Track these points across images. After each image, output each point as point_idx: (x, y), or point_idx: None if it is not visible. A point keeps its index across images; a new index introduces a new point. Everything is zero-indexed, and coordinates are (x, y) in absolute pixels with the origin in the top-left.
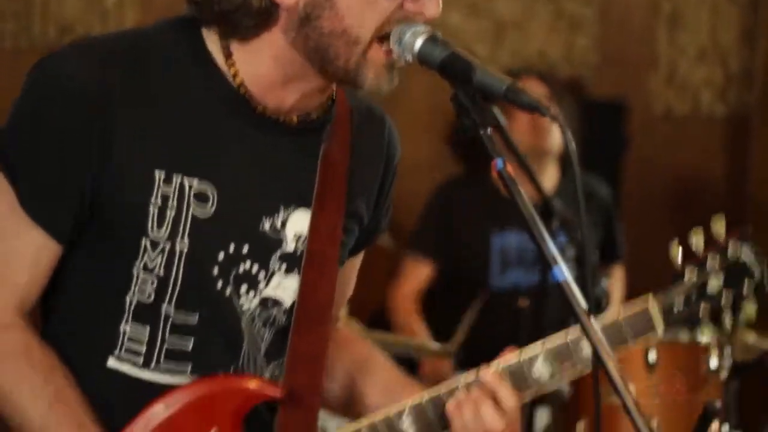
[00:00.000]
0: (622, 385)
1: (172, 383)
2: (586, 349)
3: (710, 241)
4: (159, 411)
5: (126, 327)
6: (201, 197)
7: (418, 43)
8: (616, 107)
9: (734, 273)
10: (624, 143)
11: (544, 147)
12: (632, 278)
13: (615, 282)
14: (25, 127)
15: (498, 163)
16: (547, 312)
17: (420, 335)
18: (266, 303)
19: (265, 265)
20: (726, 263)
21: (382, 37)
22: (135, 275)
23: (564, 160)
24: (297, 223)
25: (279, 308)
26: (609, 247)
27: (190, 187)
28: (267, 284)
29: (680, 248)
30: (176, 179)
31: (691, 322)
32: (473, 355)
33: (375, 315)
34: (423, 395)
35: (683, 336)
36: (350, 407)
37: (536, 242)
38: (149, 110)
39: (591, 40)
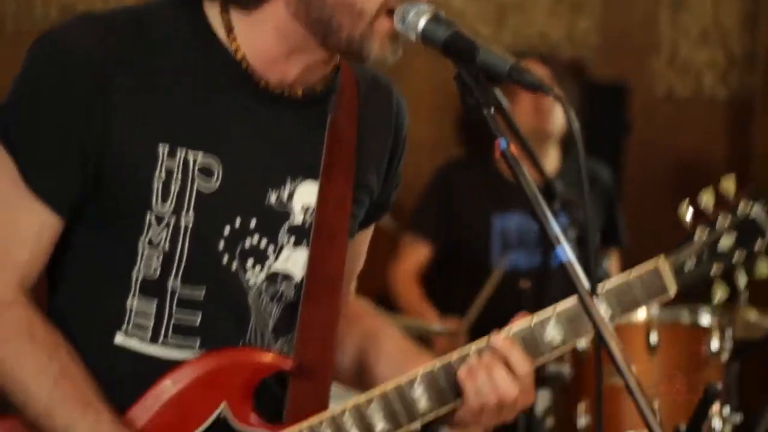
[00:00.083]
0: (625, 366)
1: (181, 358)
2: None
3: (720, 200)
4: (168, 386)
5: (133, 302)
6: (205, 171)
7: (422, 22)
8: (618, 89)
9: (745, 231)
10: (626, 125)
11: (546, 129)
12: (633, 261)
13: (611, 268)
14: (25, 100)
15: (501, 143)
16: (549, 293)
17: (424, 310)
18: (275, 278)
19: (273, 238)
20: (737, 221)
21: (387, 11)
22: (140, 250)
23: (566, 143)
24: (304, 195)
25: (289, 282)
26: (610, 231)
27: (195, 161)
28: (276, 258)
29: (690, 208)
30: (180, 153)
31: (704, 282)
32: (475, 338)
33: (378, 297)
34: (434, 363)
35: (684, 318)
36: (362, 381)
37: (539, 222)
38: (151, 84)
39: (593, 22)
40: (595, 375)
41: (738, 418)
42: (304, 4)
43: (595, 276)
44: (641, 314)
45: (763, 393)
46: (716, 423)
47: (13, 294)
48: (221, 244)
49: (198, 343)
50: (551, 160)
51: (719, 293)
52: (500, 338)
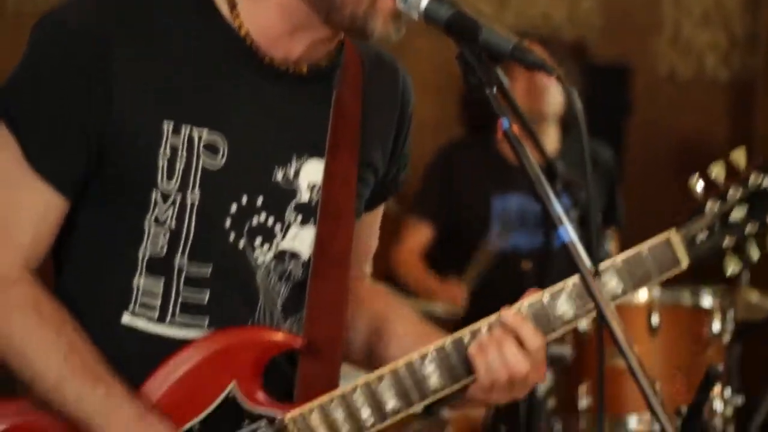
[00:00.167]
0: (627, 347)
1: (189, 338)
2: (611, 284)
3: (731, 172)
4: (177, 365)
5: (139, 281)
6: (211, 148)
7: (424, 1)
8: (620, 70)
9: (757, 203)
10: (627, 106)
11: (541, 110)
12: (635, 241)
13: (612, 244)
14: (27, 80)
15: (503, 122)
16: (551, 274)
17: (428, 282)
18: (282, 256)
19: (280, 216)
20: (748, 193)
21: None
22: (146, 229)
23: (566, 124)
24: (310, 173)
25: (296, 261)
26: (609, 211)
27: (200, 138)
28: (284, 236)
29: (700, 180)
30: (185, 130)
31: (715, 254)
32: (476, 319)
33: (382, 280)
34: (445, 340)
35: (686, 299)
36: (374, 362)
37: (541, 202)
38: (154, 61)
39: (595, 3)
40: (597, 356)
41: (739, 400)
42: None
43: (597, 256)
44: (643, 295)
45: (764, 375)
46: (717, 405)
47: (19, 272)
48: (228, 222)
49: (206, 322)
50: (550, 140)
51: (731, 266)
52: (511, 313)
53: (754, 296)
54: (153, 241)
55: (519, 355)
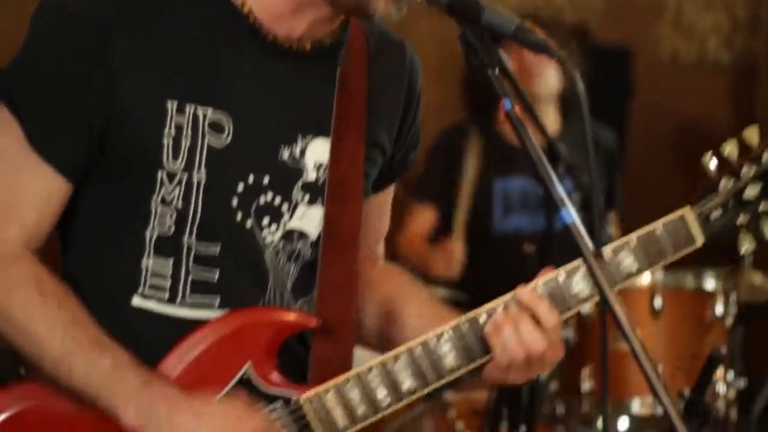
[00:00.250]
0: (630, 330)
1: (201, 318)
2: (626, 262)
3: (744, 150)
4: (192, 346)
5: (148, 262)
6: (216, 127)
7: None
8: (622, 53)
9: None
10: (630, 89)
11: (533, 91)
12: (637, 225)
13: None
14: (29, 63)
15: (506, 103)
16: (553, 258)
17: (431, 253)
18: (291, 236)
19: (287, 196)
20: (762, 171)
21: None
22: (153, 209)
23: (566, 106)
24: (316, 152)
25: (305, 241)
26: (608, 194)
27: (205, 117)
28: (291, 216)
29: (713, 158)
30: (189, 109)
31: (730, 232)
32: (480, 302)
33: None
34: (461, 319)
35: (689, 282)
36: (387, 344)
37: (543, 184)
38: (156, 41)
39: None
40: (601, 339)
41: (742, 382)
42: None
43: (600, 239)
44: (645, 278)
45: (767, 358)
46: (720, 388)
47: (20, 250)
48: (235, 201)
49: (217, 303)
50: (549, 122)
51: (745, 244)
52: (527, 291)
53: (757, 278)
54: (160, 222)
55: (535, 334)
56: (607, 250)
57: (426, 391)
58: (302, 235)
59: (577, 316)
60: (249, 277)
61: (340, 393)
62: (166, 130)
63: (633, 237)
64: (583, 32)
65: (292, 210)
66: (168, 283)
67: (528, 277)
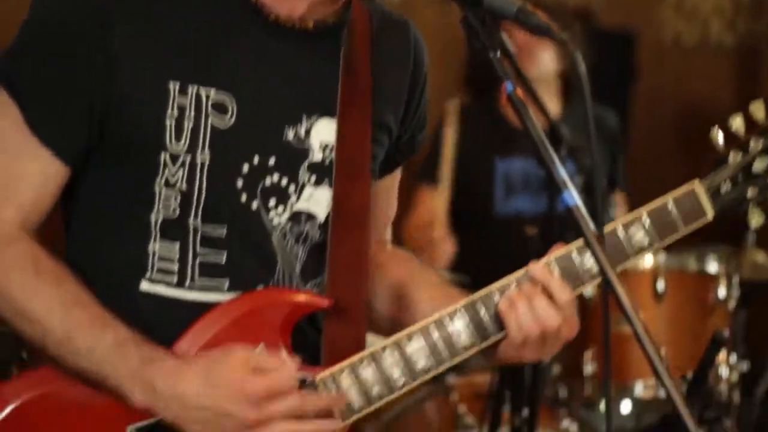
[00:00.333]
0: (633, 312)
1: (210, 300)
2: (637, 237)
3: (751, 124)
4: (204, 329)
5: (155, 246)
6: (219, 108)
7: None
8: (625, 36)
9: None
10: (633, 73)
11: (530, 74)
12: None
13: (618, 209)
14: (28, 47)
15: (507, 85)
16: (555, 240)
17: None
18: (298, 218)
19: (294, 177)
20: None
21: None
22: (157, 192)
23: (568, 89)
24: (321, 132)
25: (313, 223)
26: (611, 177)
27: (207, 97)
28: (298, 197)
29: (720, 132)
30: (192, 89)
31: (740, 205)
32: (481, 286)
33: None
34: (474, 296)
35: (691, 265)
36: (399, 328)
37: (545, 165)
38: (157, 22)
39: None
40: (604, 322)
41: (745, 365)
42: None
43: (602, 221)
44: (648, 261)
45: None
46: (723, 370)
47: (17, 231)
48: (240, 182)
49: (226, 285)
50: (550, 105)
51: (755, 218)
52: (539, 267)
53: (760, 257)
54: (165, 205)
55: (550, 309)
56: (617, 225)
57: (440, 369)
58: (310, 216)
59: (579, 299)
60: (257, 259)
61: (355, 373)
62: (169, 111)
63: (643, 211)
64: (586, 15)
65: (299, 191)
66: (176, 267)
67: (530, 259)
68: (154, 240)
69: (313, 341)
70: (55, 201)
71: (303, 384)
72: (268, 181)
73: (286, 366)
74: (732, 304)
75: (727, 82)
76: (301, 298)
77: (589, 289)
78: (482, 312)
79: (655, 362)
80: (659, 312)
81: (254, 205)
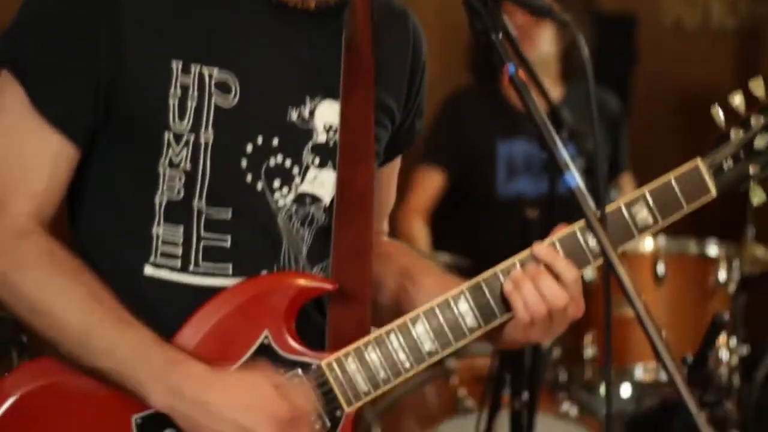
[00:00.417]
0: (635, 295)
1: (215, 285)
2: (641, 215)
3: (751, 101)
4: (209, 314)
5: (158, 230)
6: (222, 87)
7: None
8: (626, 20)
9: None
10: (633, 56)
11: (529, 56)
12: None
13: (626, 189)
14: (31, 26)
15: (509, 68)
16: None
17: (419, 239)
18: (303, 199)
19: (297, 158)
20: None
21: None
22: (161, 173)
23: (568, 72)
24: (325, 114)
25: (318, 205)
26: (615, 160)
27: (210, 77)
28: (303, 179)
29: (720, 110)
30: (195, 69)
31: (742, 182)
32: (482, 268)
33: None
34: (479, 278)
35: (692, 248)
36: (404, 315)
37: (547, 147)
38: (161, 1)
39: None
40: (605, 305)
41: (745, 349)
42: None
43: (604, 203)
44: (648, 244)
45: None
46: (723, 354)
47: (31, 224)
48: (244, 162)
49: (231, 269)
50: (550, 88)
51: (757, 196)
52: (543, 247)
53: (759, 251)
54: (169, 186)
55: (556, 289)
56: (620, 204)
57: (446, 352)
58: (315, 199)
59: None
60: (262, 242)
61: (361, 357)
62: (172, 90)
63: (645, 190)
64: None
65: (303, 172)
66: (180, 251)
67: (531, 241)
68: (158, 223)
69: (318, 325)
70: (66, 185)
71: (308, 369)
72: (272, 162)
73: (311, 396)
74: (732, 288)
75: (728, 65)
76: (306, 282)
77: (590, 273)
78: (488, 293)
79: (656, 344)
80: (659, 295)
81: (259, 185)
